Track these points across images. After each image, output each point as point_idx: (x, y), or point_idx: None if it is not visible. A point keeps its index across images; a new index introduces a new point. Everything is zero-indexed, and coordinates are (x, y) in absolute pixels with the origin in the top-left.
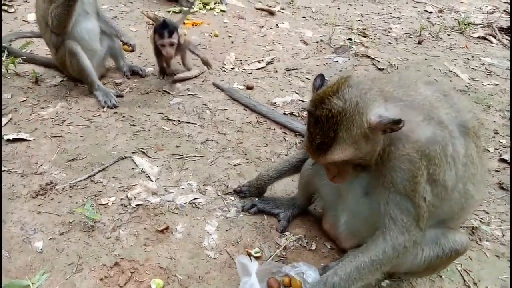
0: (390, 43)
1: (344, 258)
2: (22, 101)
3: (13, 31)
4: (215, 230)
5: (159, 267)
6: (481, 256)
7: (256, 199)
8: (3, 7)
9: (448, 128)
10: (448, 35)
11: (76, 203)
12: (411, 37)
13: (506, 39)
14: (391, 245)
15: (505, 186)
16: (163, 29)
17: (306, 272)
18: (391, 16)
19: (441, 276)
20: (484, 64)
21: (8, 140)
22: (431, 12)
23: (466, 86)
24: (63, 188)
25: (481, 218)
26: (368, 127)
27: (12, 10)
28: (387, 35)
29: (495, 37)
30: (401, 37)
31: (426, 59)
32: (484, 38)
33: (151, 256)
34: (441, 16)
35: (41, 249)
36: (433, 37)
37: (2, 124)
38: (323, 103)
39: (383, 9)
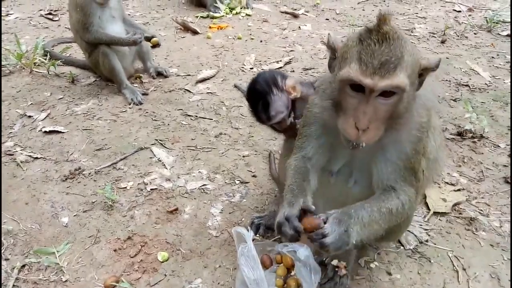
0: (412, 42)
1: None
2: (59, 99)
3: (56, 37)
4: (219, 212)
5: (166, 242)
6: (475, 244)
7: (255, 216)
8: (49, 16)
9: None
10: (475, 33)
11: (99, 186)
12: (435, 37)
13: None
14: (401, 206)
15: (510, 180)
16: (255, 105)
17: (298, 250)
18: (417, 16)
19: (430, 261)
20: (509, 62)
21: (45, 132)
22: (459, 11)
23: (486, 84)
24: (89, 174)
25: (481, 210)
26: (421, 67)
27: (57, 18)
28: (410, 34)
29: None
30: (424, 36)
31: (447, 58)
32: None
33: (160, 232)
34: (470, 15)
35: (66, 224)
36: (458, 36)
37: (42, 118)
38: (388, 23)
39: (409, 9)
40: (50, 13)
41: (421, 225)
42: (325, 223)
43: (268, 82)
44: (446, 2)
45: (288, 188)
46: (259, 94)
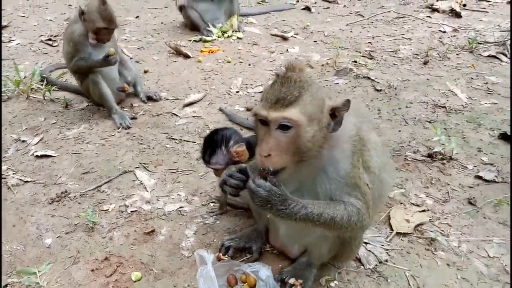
0: (395, 64)
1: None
2: (53, 123)
3: (54, 62)
4: (193, 234)
5: (140, 262)
6: (432, 264)
7: (225, 239)
8: (49, 42)
9: (367, 122)
10: (457, 54)
11: (83, 208)
12: (418, 58)
13: None
14: (347, 217)
15: (473, 201)
16: (205, 148)
17: (260, 270)
18: (403, 37)
19: (387, 280)
20: (487, 83)
21: (37, 156)
22: (444, 32)
23: (462, 105)
24: (75, 196)
25: (442, 230)
26: (327, 107)
27: (56, 44)
28: (394, 56)
29: (506, 55)
30: (408, 57)
31: (428, 79)
32: (494, 57)
33: (136, 253)
34: (454, 36)
35: (49, 245)
36: (441, 57)
37: (35, 142)
38: (293, 70)
39: (396, 30)
40: (50, 39)
41: (382, 245)
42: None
43: (223, 138)
44: (433, 23)
45: None
46: (211, 142)
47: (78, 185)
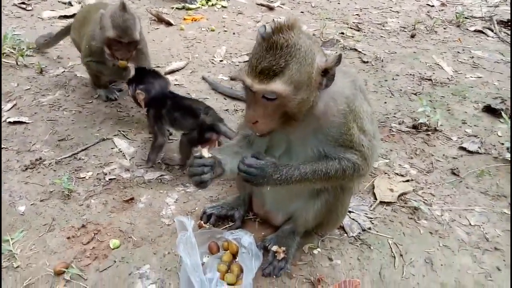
0: (382, 36)
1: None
2: (26, 89)
3: (28, 27)
4: (174, 202)
5: (119, 230)
6: (415, 232)
7: (207, 206)
8: (22, 6)
9: (358, 89)
10: (444, 28)
11: (59, 176)
12: (405, 31)
13: (504, 33)
14: (342, 170)
15: (456, 172)
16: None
17: (242, 237)
18: (390, 10)
19: (370, 247)
20: (473, 57)
21: (9, 122)
22: (432, 6)
23: (448, 78)
24: (50, 164)
25: (425, 200)
26: (317, 67)
27: (30, 8)
28: (381, 29)
29: (492, 30)
30: (395, 31)
31: (414, 52)
32: (481, 32)
33: (114, 221)
34: (442, 10)
35: (23, 212)
36: (428, 31)
37: (7, 108)
38: (280, 32)
39: (384, 3)
40: (23, 2)
41: (366, 214)
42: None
43: (145, 76)
44: None
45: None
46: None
47: (53, 152)
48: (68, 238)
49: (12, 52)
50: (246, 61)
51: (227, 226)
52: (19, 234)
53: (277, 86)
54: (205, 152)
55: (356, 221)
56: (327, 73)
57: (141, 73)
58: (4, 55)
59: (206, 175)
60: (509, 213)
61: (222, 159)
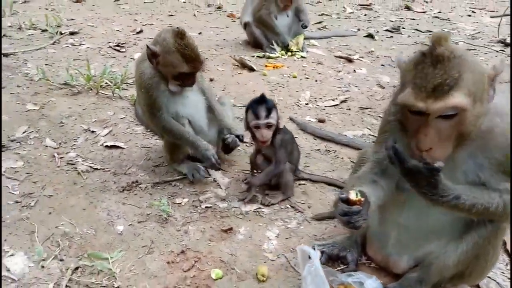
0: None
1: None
2: (122, 118)
3: (121, 65)
4: (275, 236)
5: (220, 260)
6: None
7: (316, 244)
8: (117, 48)
9: None
10: None
11: (155, 199)
12: None
13: None
14: (502, 206)
15: None
16: (258, 105)
17: (366, 282)
18: None
19: None
20: None
21: (106, 146)
22: None
23: None
24: (146, 187)
25: None
26: (489, 78)
27: (123, 50)
28: None
29: None
30: None
31: None
32: None
33: (214, 250)
34: None
35: (121, 232)
36: None
37: (104, 134)
38: (441, 44)
39: None
40: (118, 45)
41: (503, 272)
42: None
43: (274, 104)
44: (504, 53)
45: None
46: (267, 103)
47: (149, 177)
48: (168, 262)
49: (109, 85)
50: (332, 105)
51: (340, 268)
52: (118, 253)
53: (457, 99)
54: (352, 194)
55: (495, 280)
56: (493, 83)
57: (264, 99)
58: (102, 87)
59: (359, 223)
60: None
61: (367, 193)
